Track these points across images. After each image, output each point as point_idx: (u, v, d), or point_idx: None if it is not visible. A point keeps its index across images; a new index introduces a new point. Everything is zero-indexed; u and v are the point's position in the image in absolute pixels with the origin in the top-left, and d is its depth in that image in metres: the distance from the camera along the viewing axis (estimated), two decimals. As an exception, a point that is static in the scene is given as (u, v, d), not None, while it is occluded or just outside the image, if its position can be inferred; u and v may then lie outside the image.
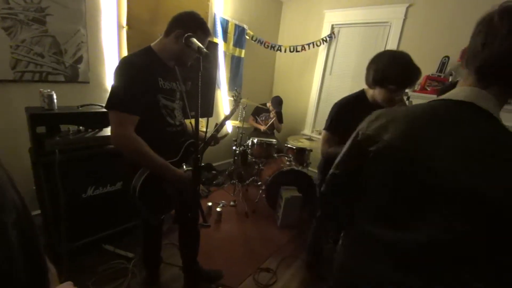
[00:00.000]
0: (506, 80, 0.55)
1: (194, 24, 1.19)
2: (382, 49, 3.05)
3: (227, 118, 1.61)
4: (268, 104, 3.43)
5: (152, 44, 1.24)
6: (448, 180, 0.52)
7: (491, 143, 0.52)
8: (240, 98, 1.77)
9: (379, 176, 0.66)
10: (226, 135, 1.67)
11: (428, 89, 2.53)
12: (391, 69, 1.27)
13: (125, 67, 1.12)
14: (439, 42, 2.61)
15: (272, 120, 3.35)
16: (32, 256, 0.55)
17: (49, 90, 1.63)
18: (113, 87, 1.11)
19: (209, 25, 2.89)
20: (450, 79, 2.47)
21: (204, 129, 1.14)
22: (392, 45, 2.91)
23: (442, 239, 0.54)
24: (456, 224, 0.52)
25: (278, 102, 3.33)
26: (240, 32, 3.29)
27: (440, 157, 0.54)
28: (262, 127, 3.44)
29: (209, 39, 1.30)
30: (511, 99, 0.58)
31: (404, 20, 2.82)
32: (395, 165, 0.62)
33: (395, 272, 0.62)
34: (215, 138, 1.52)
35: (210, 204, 2.67)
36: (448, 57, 2.49)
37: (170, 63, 1.27)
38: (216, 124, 1.56)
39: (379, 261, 0.66)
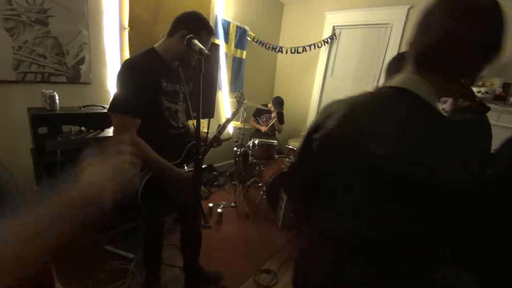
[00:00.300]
0: (443, 67, 0.56)
1: (198, 24, 1.18)
2: (383, 51, 3.10)
3: (229, 120, 1.61)
4: (269, 105, 3.43)
5: (155, 45, 1.23)
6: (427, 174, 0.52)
7: (427, 132, 0.53)
8: (243, 99, 1.77)
9: (329, 165, 0.65)
10: (229, 138, 1.67)
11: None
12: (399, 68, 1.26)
13: (128, 70, 1.11)
14: (440, 43, 2.61)
15: (273, 121, 3.35)
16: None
17: (51, 91, 1.64)
18: (116, 90, 1.12)
19: (211, 26, 2.90)
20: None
21: (206, 130, 1.15)
22: (393, 47, 2.91)
23: (435, 235, 0.54)
24: (445, 220, 0.52)
25: (279, 102, 3.33)
26: (241, 33, 3.30)
27: (384, 145, 0.54)
28: (263, 128, 3.44)
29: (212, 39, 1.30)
30: (451, 86, 0.59)
31: (406, 21, 2.82)
32: (341, 153, 0.61)
33: (383, 267, 0.62)
34: (218, 139, 1.52)
35: (211, 205, 2.66)
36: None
37: (174, 64, 1.27)
38: (219, 126, 1.57)
39: (369, 258, 0.64)
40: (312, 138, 0.68)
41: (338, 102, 0.68)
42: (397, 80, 0.60)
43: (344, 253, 0.63)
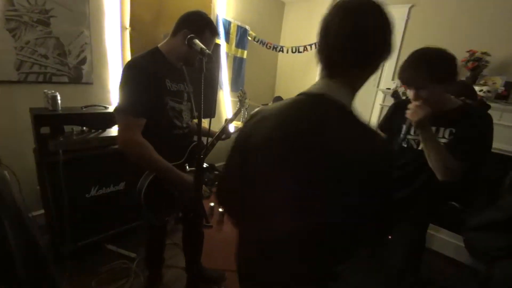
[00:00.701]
0: (346, 69, 0.59)
1: (201, 23, 1.17)
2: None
3: (231, 120, 1.60)
4: (270, 105, 3.44)
5: (159, 45, 1.22)
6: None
7: (352, 142, 0.55)
8: (245, 98, 1.77)
9: (264, 170, 0.65)
10: (237, 130, 1.65)
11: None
12: None
13: (131, 70, 1.11)
14: (441, 42, 2.58)
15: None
16: (32, 255, 0.55)
17: (53, 91, 1.64)
18: (120, 90, 1.11)
19: (212, 26, 2.91)
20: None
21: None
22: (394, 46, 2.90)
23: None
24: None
25: (280, 103, 3.33)
26: (242, 33, 3.30)
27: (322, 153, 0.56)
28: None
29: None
30: (360, 84, 0.62)
31: (407, 20, 2.82)
32: (276, 159, 0.62)
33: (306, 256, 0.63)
34: (227, 131, 1.50)
35: (212, 204, 2.67)
36: (451, 57, 2.48)
37: (178, 63, 1.26)
38: (226, 120, 1.56)
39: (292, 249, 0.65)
40: (244, 146, 0.69)
41: (264, 109, 0.70)
42: (315, 86, 0.63)
43: (272, 251, 0.66)
